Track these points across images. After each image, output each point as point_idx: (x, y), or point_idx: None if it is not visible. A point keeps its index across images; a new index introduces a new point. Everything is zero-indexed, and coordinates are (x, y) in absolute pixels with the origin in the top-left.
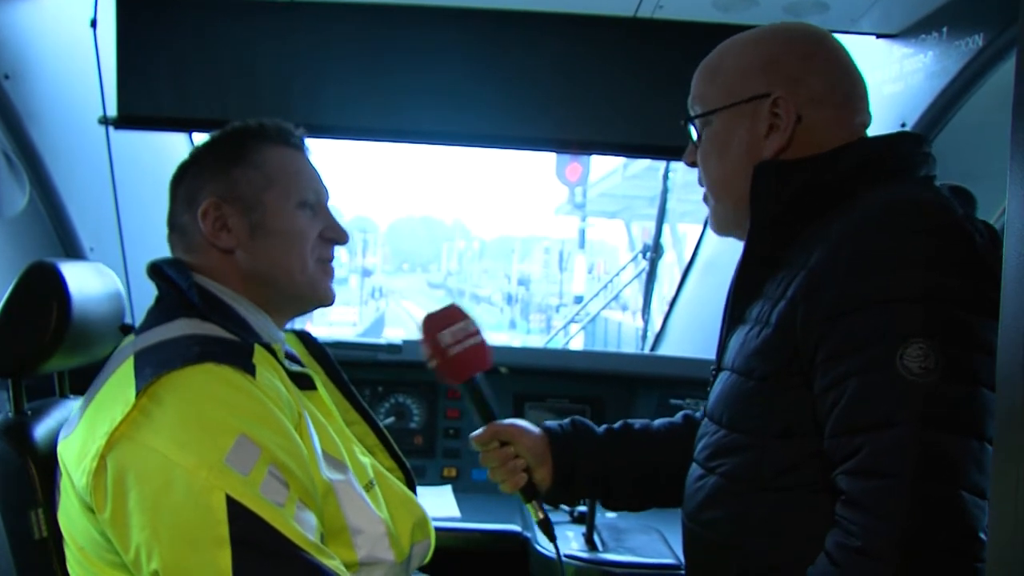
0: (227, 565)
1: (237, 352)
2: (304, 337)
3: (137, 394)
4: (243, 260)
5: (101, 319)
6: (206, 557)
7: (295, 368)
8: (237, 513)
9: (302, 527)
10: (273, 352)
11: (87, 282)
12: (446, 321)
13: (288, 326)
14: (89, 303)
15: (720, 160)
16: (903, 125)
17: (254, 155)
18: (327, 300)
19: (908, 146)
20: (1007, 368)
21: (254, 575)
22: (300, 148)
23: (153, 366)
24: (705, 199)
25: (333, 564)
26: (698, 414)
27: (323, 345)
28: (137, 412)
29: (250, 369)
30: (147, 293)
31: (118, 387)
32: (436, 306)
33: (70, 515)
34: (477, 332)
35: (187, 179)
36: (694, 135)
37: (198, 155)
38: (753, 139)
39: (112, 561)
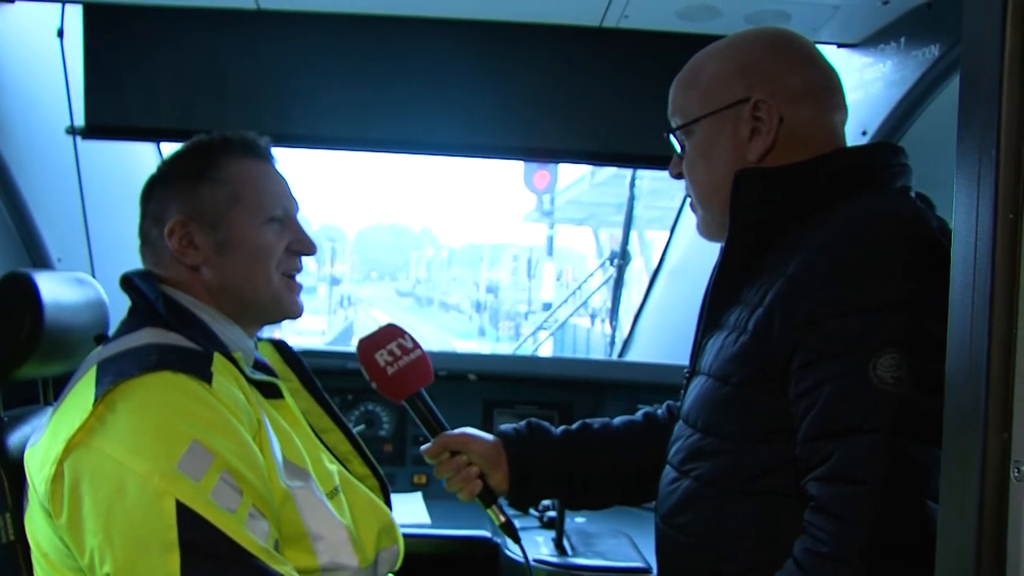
0: (176, 569)
1: (195, 360)
2: (279, 346)
3: (95, 402)
4: (209, 275)
5: (79, 328)
6: (156, 561)
7: (261, 377)
8: (187, 518)
9: (254, 533)
10: (235, 361)
11: (64, 291)
12: (381, 342)
13: (259, 335)
14: (65, 312)
15: (706, 168)
16: (864, 133)
17: (220, 171)
18: (293, 313)
19: (886, 157)
20: (955, 372)
21: None
22: (267, 158)
23: (112, 375)
24: (692, 207)
25: (284, 570)
26: (660, 411)
27: (298, 354)
28: (94, 419)
29: (207, 377)
30: (117, 302)
31: (80, 395)
32: (403, 315)
33: (34, 521)
34: (415, 347)
35: (155, 195)
36: (677, 147)
37: (165, 171)
38: (737, 144)
39: (73, 566)
